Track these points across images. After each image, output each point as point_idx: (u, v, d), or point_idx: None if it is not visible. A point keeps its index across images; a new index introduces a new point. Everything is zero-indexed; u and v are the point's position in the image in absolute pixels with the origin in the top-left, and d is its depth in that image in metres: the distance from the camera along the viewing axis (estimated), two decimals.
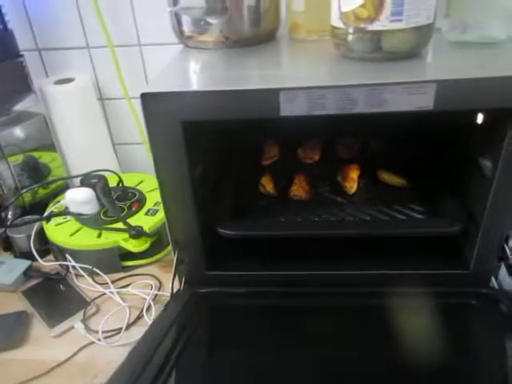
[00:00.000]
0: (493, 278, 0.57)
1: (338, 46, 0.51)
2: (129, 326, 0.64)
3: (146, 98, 0.46)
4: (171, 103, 0.46)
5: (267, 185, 0.66)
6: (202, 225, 0.56)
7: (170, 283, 0.58)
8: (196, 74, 0.54)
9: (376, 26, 0.46)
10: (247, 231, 0.58)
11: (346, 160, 0.73)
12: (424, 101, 0.45)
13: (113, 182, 0.84)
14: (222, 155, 0.74)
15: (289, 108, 0.46)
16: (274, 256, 0.62)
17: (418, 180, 0.65)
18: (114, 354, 0.59)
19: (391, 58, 0.49)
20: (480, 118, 0.53)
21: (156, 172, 0.51)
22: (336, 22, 0.50)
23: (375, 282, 0.58)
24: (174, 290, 0.60)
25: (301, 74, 0.50)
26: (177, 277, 0.60)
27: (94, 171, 0.82)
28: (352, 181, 0.65)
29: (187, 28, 0.61)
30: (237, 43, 0.60)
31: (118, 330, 0.63)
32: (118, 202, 0.80)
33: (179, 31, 0.62)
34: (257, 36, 0.61)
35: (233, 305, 0.59)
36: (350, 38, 0.49)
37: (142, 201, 0.80)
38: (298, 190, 0.64)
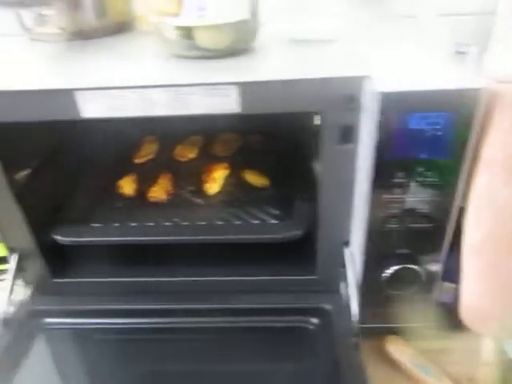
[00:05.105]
0: (343, 284, 0.55)
1: (159, 43, 0.48)
2: None
3: None
4: None
5: (126, 185, 0.62)
6: (38, 230, 0.53)
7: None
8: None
9: (180, 22, 0.43)
10: (79, 237, 0.55)
11: (221, 158, 0.70)
12: (228, 103, 0.42)
13: None
14: (75, 156, 0.69)
15: (90, 109, 0.43)
16: (128, 262, 0.60)
17: (280, 181, 0.62)
18: None
19: (210, 57, 0.46)
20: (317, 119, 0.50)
21: None
22: (151, 17, 0.46)
23: (225, 289, 0.56)
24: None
25: (108, 73, 0.46)
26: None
27: None
28: (213, 181, 0.62)
29: (27, 19, 0.57)
30: (76, 36, 0.56)
31: None
32: None
33: (21, 22, 0.57)
34: (100, 28, 0.57)
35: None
36: (165, 34, 0.46)
37: None
38: (157, 191, 0.61)
